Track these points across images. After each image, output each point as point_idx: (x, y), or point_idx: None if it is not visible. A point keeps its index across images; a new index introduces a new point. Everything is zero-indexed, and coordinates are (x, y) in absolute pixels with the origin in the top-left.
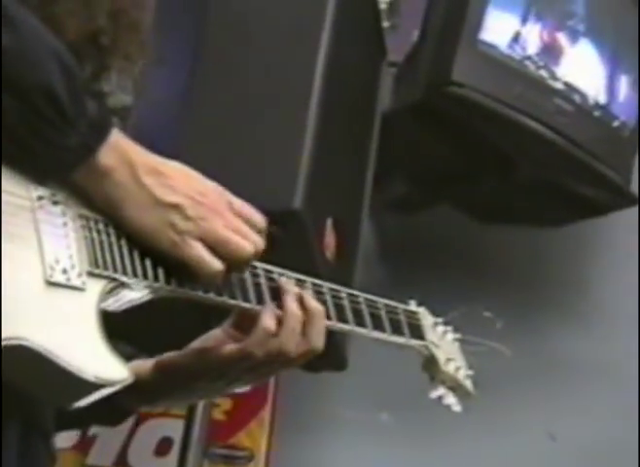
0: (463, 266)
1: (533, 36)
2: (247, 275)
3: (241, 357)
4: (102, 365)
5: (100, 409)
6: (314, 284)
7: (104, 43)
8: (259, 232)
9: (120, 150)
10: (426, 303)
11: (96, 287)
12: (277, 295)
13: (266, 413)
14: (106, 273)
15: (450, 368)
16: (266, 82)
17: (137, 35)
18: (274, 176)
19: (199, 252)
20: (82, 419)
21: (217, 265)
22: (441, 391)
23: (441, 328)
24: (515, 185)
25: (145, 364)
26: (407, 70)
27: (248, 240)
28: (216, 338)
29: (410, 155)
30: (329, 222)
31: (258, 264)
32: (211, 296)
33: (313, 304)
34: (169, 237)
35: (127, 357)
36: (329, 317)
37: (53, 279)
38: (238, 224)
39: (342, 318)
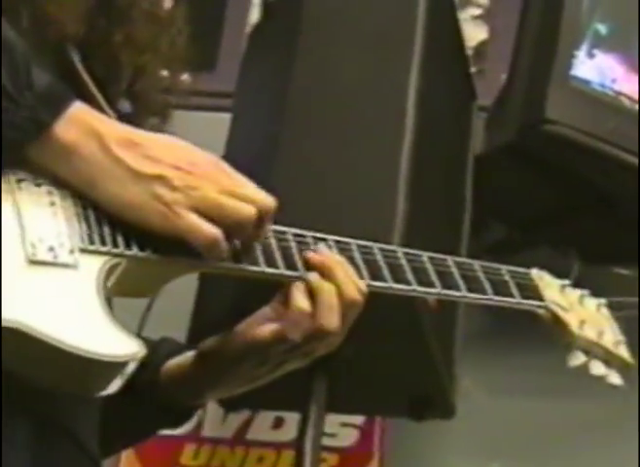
0: None
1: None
2: (275, 242)
3: (277, 340)
4: (107, 341)
5: (157, 412)
6: (383, 250)
7: (117, 39)
8: (260, 195)
9: (82, 122)
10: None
11: (93, 264)
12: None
13: None
14: (103, 249)
15: (589, 333)
16: (357, 127)
17: (158, 29)
18: (369, 221)
19: (192, 220)
20: (143, 429)
21: (213, 231)
22: (581, 359)
23: (573, 292)
24: (615, 222)
25: (188, 355)
26: (498, 113)
27: (248, 202)
28: (263, 316)
29: (507, 197)
30: None
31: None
32: (221, 264)
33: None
34: (157, 210)
35: (173, 351)
36: (408, 282)
37: (36, 258)
38: (235, 187)
39: (425, 282)
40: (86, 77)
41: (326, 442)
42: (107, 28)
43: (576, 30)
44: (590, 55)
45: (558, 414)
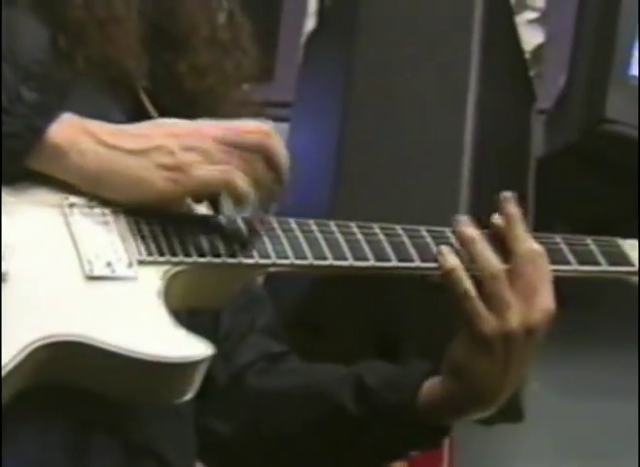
0: (626, 309)
1: None
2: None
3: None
4: (173, 345)
5: (417, 431)
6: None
7: (180, 69)
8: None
9: (74, 124)
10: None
11: (153, 274)
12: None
13: None
14: (161, 259)
15: None
16: (418, 130)
17: (221, 52)
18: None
19: (201, 172)
20: (396, 451)
21: (225, 169)
22: None
23: None
24: None
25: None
26: (557, 115)
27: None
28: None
29: (569, 198)
30: None
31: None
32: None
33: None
34: (165, 177)
35: (427, 373)
36: None
37: (94, 274)
38: (230, 132)
39: None
40: (150, 107)
41: None
42: (172, 60)
43: (633, 29)
44: None
45: (629, 414)
